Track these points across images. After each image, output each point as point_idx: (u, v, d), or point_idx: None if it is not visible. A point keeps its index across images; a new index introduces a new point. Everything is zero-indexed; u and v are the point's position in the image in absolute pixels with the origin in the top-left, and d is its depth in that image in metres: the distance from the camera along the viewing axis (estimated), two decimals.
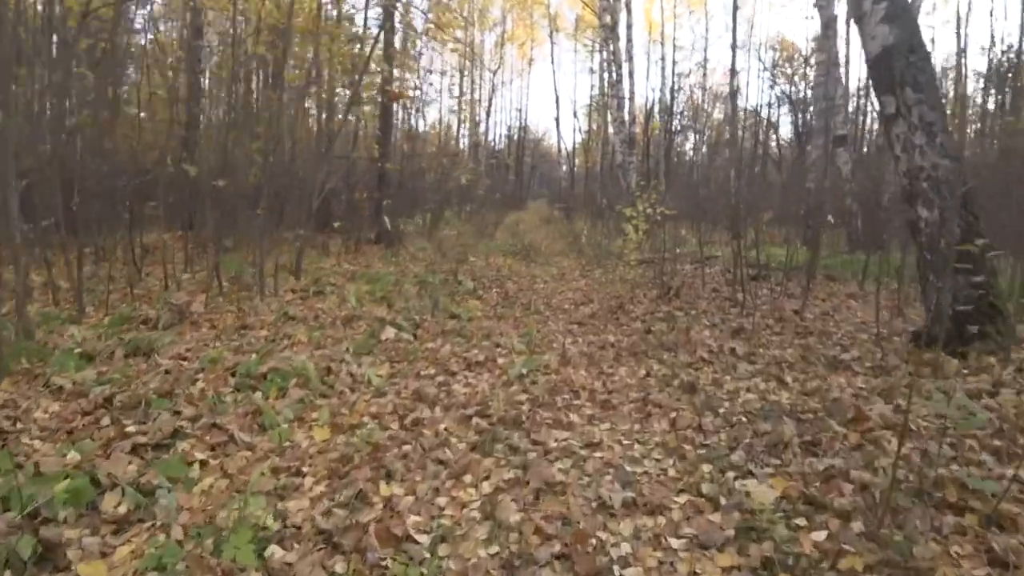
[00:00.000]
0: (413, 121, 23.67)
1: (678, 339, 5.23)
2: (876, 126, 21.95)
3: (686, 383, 4.10)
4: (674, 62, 27.00)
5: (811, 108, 26.60)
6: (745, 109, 27.02)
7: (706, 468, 2.92)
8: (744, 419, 3.46)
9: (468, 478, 2.80)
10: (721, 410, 3.63)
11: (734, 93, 17.93)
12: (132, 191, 9.62)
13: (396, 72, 14.89)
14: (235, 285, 6.94)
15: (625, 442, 3.30)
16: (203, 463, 3.02)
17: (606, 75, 25.07)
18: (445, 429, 3.38)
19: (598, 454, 3.13)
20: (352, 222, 12.09)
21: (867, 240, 12.37)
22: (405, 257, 10.28)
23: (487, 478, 2.81)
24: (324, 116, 14.19)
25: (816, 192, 14.73)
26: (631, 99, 16.77)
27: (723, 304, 6.73)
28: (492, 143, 33.33)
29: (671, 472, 2.94)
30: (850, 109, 20.21)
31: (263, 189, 9.22)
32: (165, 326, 5.22)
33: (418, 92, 14.46)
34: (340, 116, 8.83)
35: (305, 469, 2.97)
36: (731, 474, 2.83)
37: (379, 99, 13.05)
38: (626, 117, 17.44)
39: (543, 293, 7.60)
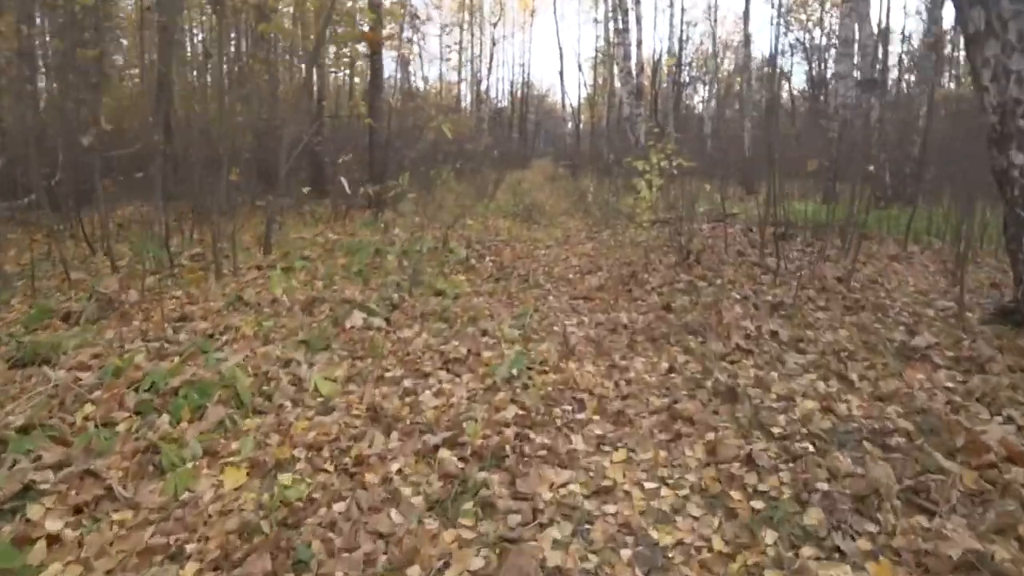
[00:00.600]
0: (412, 78, 22.33)
1: (705, 319, 4.22)
2: (898, 73, 20.36)
3: (723, 385, 3.11)
4: (683, 10, 25.30)
5: (828, 53, 24.98)
6: (751, 57, 25.40)
7: (769, 537, 1.96)
8: (811, 447, 2.48)
9: (415, 571, 1.85)
10: (776, 429, 2.65)
11: (748, 38, 16.45)
12: (109, 164, 8.76)
13: (393, 29, 13.63)
14: (194, 263, 5.99)
15: (648, 484, 2.34)
16: (53, 539, 2.10)
17: (611, 24, 23.48)
18: (398, 471, 2.43)
19: (610, 508, 2.18)
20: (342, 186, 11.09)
21: (896, 194, 11.21)
22: (394, 223, 9.25)
23: (445, 567, 1.86)
24: (306, 73, 13.05)
25: (841, 142, 13.48)
26: (639, 46, 15.41)
27: (752, 271, 5.69)
28: (496, 100, 31.83)
29: (717, 542, 1.98)
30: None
31: (235, 153, 8.22)
32: (89, 320, 4.27)
33: (409, 43, 13.14)
34: (307, 67, 7.69)
35: (190, 547, 2.03)
36: (808, 551, 1.87)
37: (365, 52, 11.88)
38: (633, 67, 16.09)
39: (544, 261, 6.58)
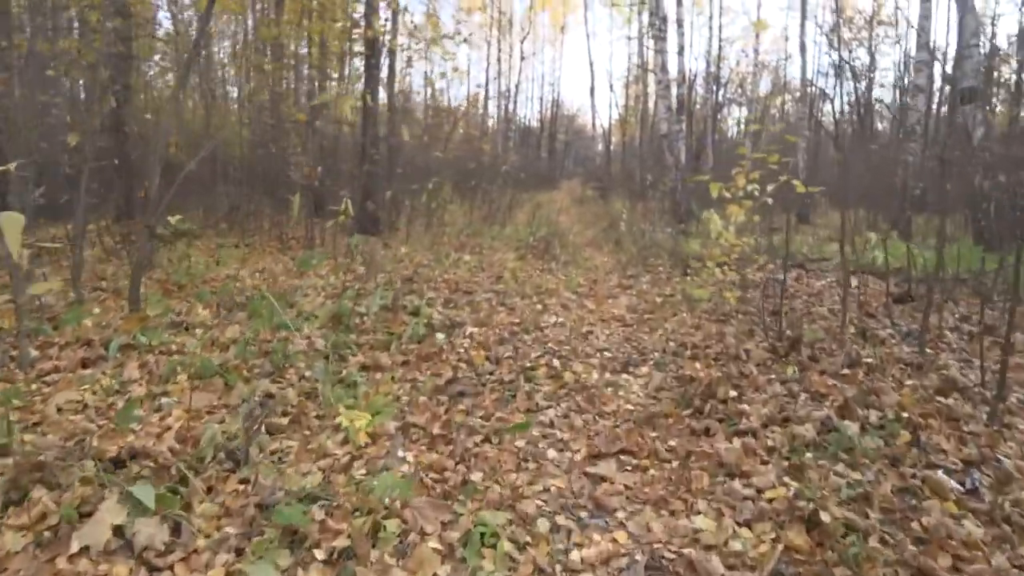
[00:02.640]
0: (440, 94, 19.92)
1: None
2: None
3: None
4: (720, 26, 22.38)
5: (874, 74, 21.83)
6: (805, 65, 22.34)
7: None
8: None
9: None
10: None
11: (803, 46, 13.59)
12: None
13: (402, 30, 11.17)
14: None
15: None
16: None
17: (646, 38, 20.81)
18: None
19: None
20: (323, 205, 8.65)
21: (1006, 233, 8.25)
22: (372, 253, 6.70)
23: None
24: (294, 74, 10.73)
25: (926, 166, 10.58)
26: (680, 53, 12.70)
27: (921, 383, 2.94)
28: (525, 119, 29.31)
29: None
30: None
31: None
32: None
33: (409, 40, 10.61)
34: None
35: None
36: None
37: (360, 50, 9.47)
38: (673, 78, 13.38)
39: (554, 336, 3.93)
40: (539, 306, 4.70)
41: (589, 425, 2.60)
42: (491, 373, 3.08)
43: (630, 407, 2.80)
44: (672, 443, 2.47)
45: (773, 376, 3.09)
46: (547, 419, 2.60)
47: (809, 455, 2.31)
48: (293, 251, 7.44)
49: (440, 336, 3.68)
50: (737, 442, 2.41)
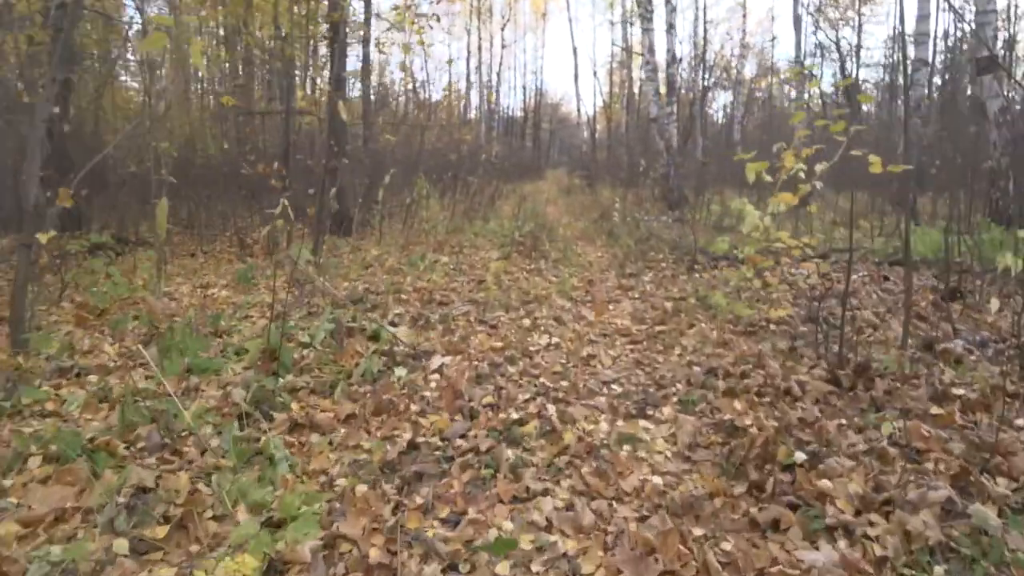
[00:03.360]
0: (420, 86, 18.88)
1: None
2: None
3: None
4: (705, 7, 21.49)
5: (862, 54, 21.10)
6: (803, 32, 21.48)
7: None
8: None
9: None
10: None
11: (798, 20, 12.77)
12: None
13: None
14: None
15: None
16: None
17: (631, 21, 19.91)
18: None
19: None
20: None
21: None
22: (339, 261, 5.82)
23: None
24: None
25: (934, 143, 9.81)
26: (669, 32, 11.78)
27: None
28: (509, 109, 28.32)
29: None
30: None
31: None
32: None
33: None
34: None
35: None
36: None
37: (327, 34, 8.54)
38: (661, 59, 12.53)
39: (548, 365, 3.10)
40: (527, 321, 3.85)
41: (603, 520, 1.76)
42: (463, 436, 2.22)
43: (658, 480, 1.97)
44: (727, 547, 1.65)
45: (843, 421, 2.27)
46: (542, 516, 1.76)
47: (941, 569, 1.50)
48: (255, 259, 6.59)
49: (400, 372, 2.83)
50: (826, 548, 1.59)
